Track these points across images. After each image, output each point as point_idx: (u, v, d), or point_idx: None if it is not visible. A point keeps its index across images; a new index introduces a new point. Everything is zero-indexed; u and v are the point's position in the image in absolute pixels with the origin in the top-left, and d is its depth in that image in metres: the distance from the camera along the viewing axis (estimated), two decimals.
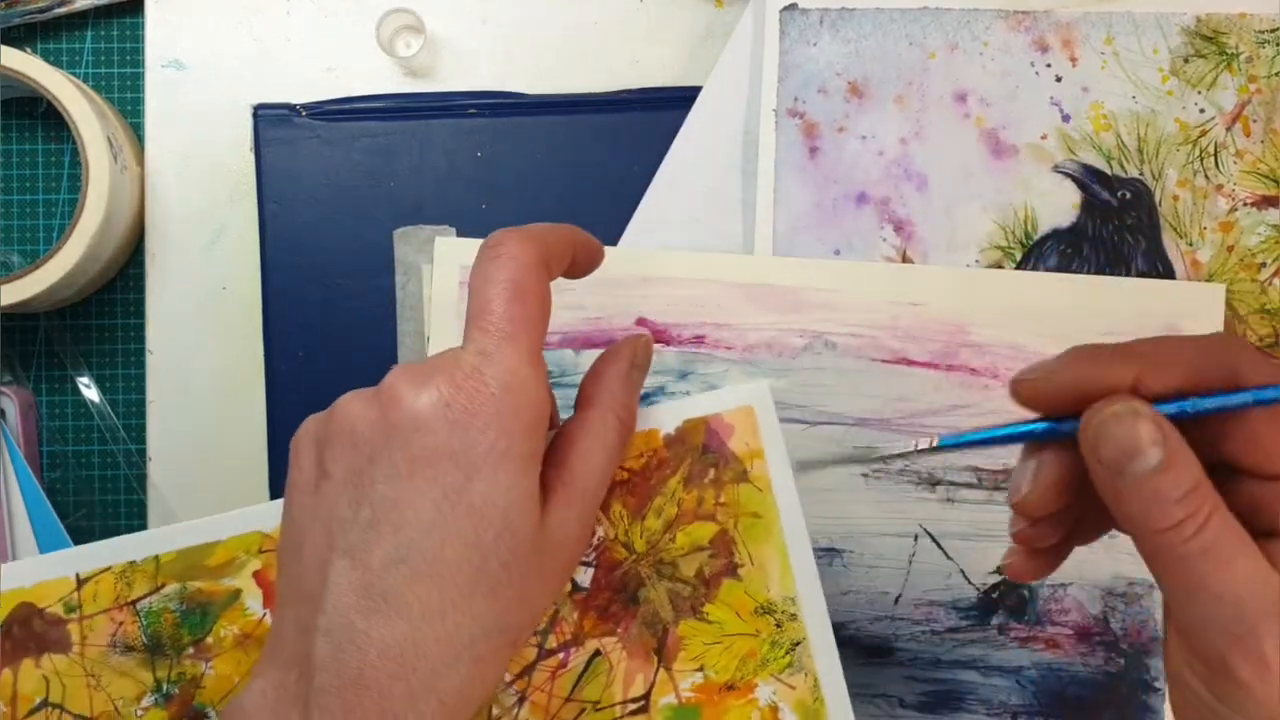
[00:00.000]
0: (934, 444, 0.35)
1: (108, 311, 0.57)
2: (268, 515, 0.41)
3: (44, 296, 0.51)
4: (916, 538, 0.54)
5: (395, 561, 0.32)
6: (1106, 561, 0.53)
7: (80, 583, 0.40)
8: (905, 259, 0.54)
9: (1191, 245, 0.53)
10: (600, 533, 0.40)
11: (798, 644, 0.40)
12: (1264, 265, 0.53)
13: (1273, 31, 0.53)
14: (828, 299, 0.53)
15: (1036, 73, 0.54)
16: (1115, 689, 0.53)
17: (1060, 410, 0.32)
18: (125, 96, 0.57)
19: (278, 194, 0.55)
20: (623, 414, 0.37)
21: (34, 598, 0.40)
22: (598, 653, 0.40)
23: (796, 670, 0.40)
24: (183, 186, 0.56)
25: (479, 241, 0.53)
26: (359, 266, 0.54)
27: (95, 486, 0.56)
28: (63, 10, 0.56)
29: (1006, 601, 0.54)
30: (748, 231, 0.54)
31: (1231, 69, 0.53)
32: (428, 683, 0.31)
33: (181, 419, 0.55)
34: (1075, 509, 0.34)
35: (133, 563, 0.40)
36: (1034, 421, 0.33)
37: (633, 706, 0.40)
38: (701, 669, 0.40)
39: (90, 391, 0.56)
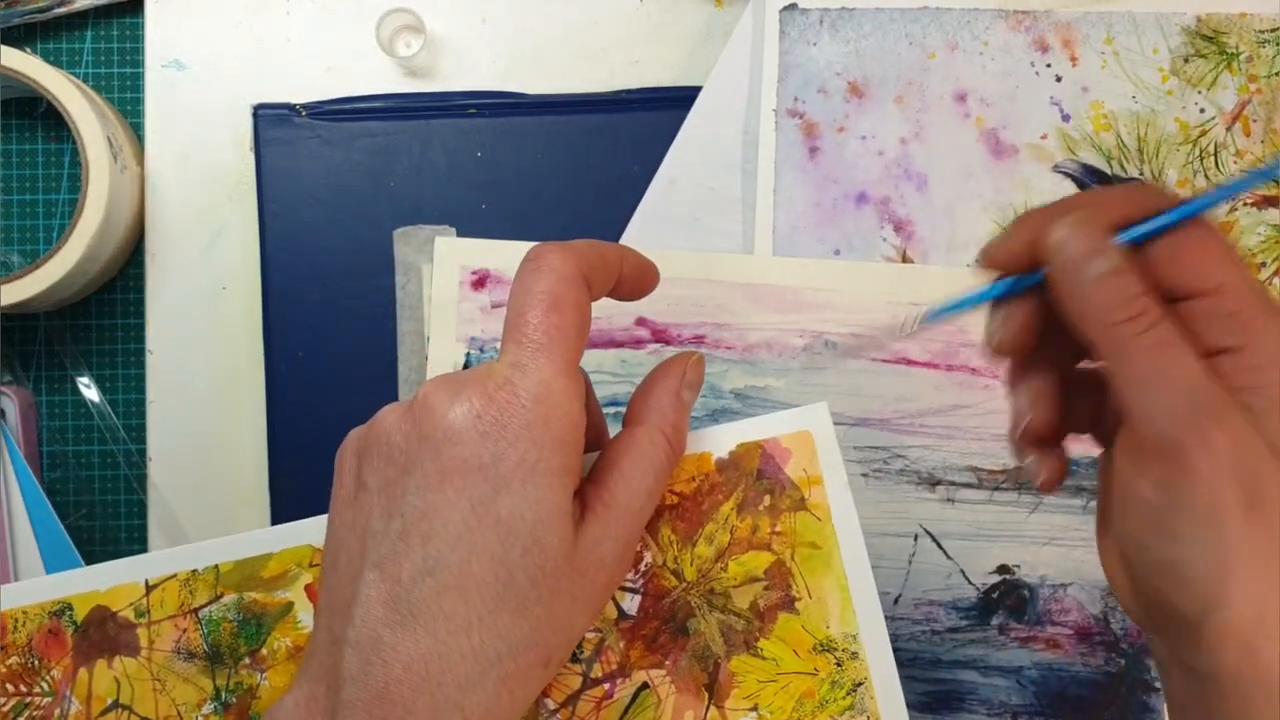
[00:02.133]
0: (922, 319, 0.38)
1: (108, 311, 0.57)
2: (319, 529, 0.41)
3: (44, 296, 0.51)
4: (916, 538, 0.54)
5: (423, 574, 0.31)
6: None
7: (149, 588, 0.41)
8: (905, 259, 0.54)
9: None
10: (648, 558, 0.38)
11: (859, 684, 0.38)
12: (1264, 265, 0.53)
13: (1273, 31, 0.53)
14: (828, 299, 0.53)
15: (1036, 73, 0.54)
16: (1115, 689, 0.53)
17: (1021, 268, 0.35)
18: (125, 96, 0.57)
19: (278, 194, 0.55)
20: (671, 434, 0.36)
21: (108, 601, 0.41)
22: (645, 685, 0.38)
23: (858, 713, 0.38)
24: (183, 186, 0.56)
25: (479, 241, 0.54)
26: (359, 266, 0.54)
27: (95, 486, 0.56)
28: (63, 10, 0.56)
29: (1006, 601, 0.54)
30: (748, 231, 0.54)
31: (1231, 69, 0.53)
32: (453, 699, 0.31)
33: (181, 419, 0.55)
34: (1048, 368, 0.36)
35: (195, 571, 0.41)
36: (1001, 279, 0.36)
37: None
38: (755, 708, 0.38)
39: (90, 391, 0.56)
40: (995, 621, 0.54)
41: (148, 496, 0.55)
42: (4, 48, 0.51)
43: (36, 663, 0.41)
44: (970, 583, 0.54)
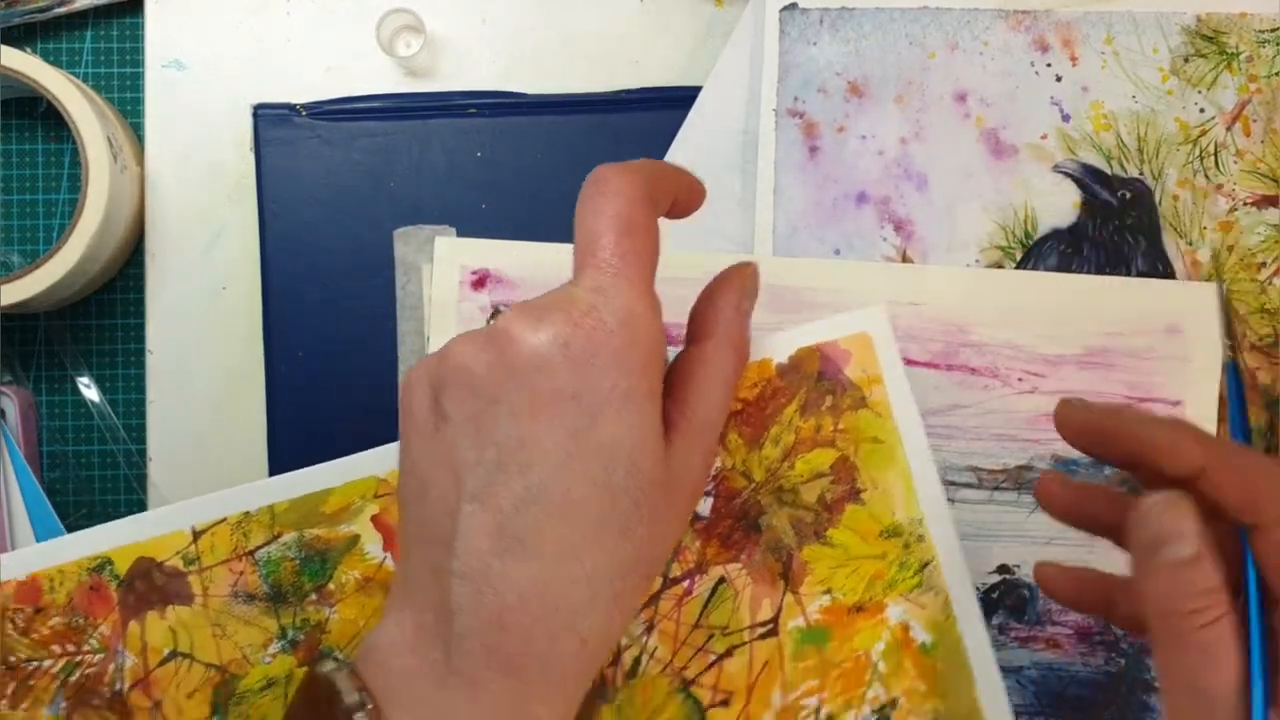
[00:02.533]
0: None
1: (107, 311, 0.57)
2: (382, 460, 0.41)
3: (44, 296, 0.51)
4: None
5: (526, 503, 0.31)
6: (1107, 561, 0.53)
7: (196, 535, 0.41)
8: (905, 259, 0.54)
9: (1191, 245, 0.53)
10: (718, 463, 0.40)
11: (926, 564, 0.40)
12: (1264, 265, 0.53)
13: (1273, 31, 0.53)
14: (828, 299, 0.53)
15: (1036, 72, 0.54)
16: (1115, 689, 0.53)
17: (1091, 448, 0.37)
18: (125, 96, 0.57)
19: (278, 194, 0.55)
20: (739, 345, 0.36)
21: (151, 552, 0.41)
22: (722, 579, 0.40)
23: (926, 590, 0.40)
24: (183, 186, 0.56)
25: (479, 241, 0.54)
26: (359, 266, 0.54)
27: (95, 486, 0.56)
28: (63, 10, 0.56)
29: (1006, 601, 0.54)
30: (748, 231, 0.54)
31: (1231, 69, 0.53)
32: (568, 623, 0.31)
33: (181, 419, 0.55)
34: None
35: (248, 513, 0.41)
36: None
37: (761, 630, 0.40)
38: (829, 591, 0.40)
39: (90, 391, 0.56)
40: (995, 621, 0.54)
41: (148, 496, 0.55)
42: (4, 48, 0.51)
43: (81, 620, 0.41)
44: None
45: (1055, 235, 0.54)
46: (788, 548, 0.40)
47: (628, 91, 0.55)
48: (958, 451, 0.53)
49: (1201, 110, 0.53)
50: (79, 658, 0.40)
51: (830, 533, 0.40)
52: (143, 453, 0.56)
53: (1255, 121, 0.53)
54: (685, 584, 0.40)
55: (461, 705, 0.31)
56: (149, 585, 0.41)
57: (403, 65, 0.56)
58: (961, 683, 0.40)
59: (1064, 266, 0.54)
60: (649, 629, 0.40)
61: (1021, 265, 0.54)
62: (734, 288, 0.37)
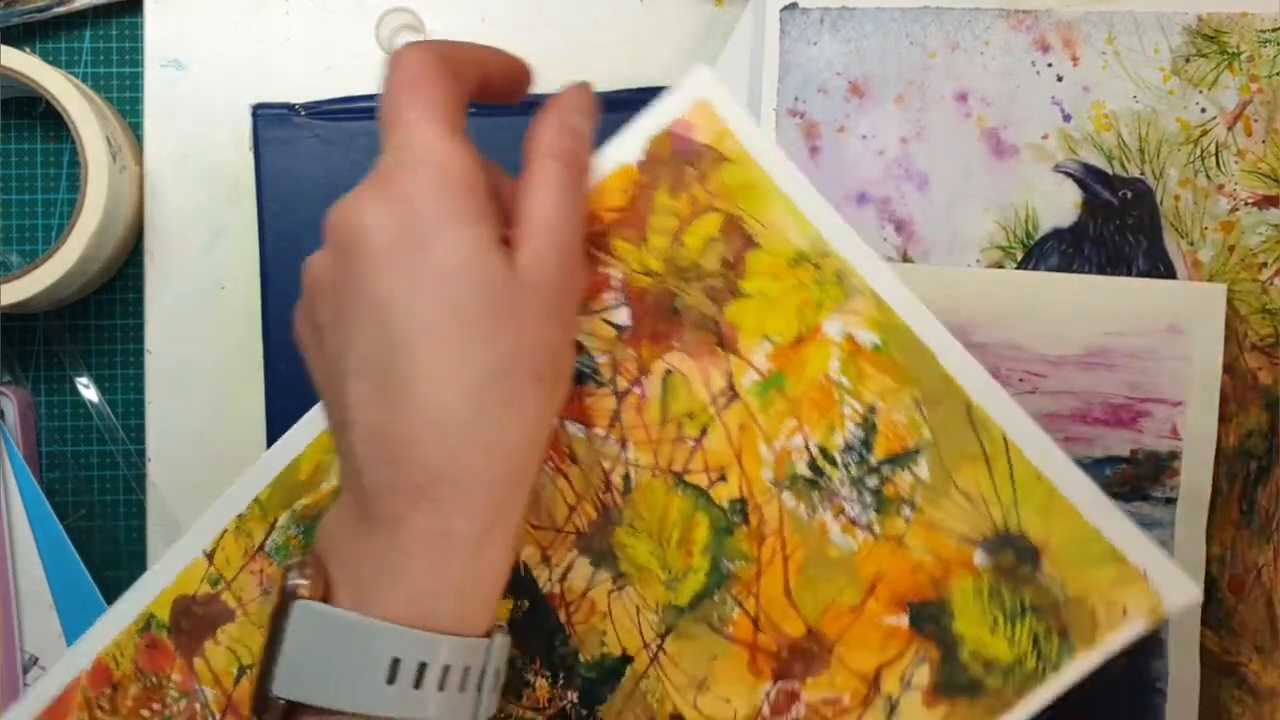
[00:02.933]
0: None
1: (107, 311, 0.57)
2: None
3: (43, 296, 0.51)
4: None
5: (392, 353, 0.33)
6: None
7: (210, 556, 0.42)
8: (905, 259, 0.54)
9: (1193, 245, 0.53)
10: (616, 274, 0.41)
11: (842, 274, 0.40)
12: (1265, 265, 0.53)
13: (1274, 31, 0.53)
14: None
15: (1037, 72, 0.54)
16: (1115, 689, 0.53)
17: None
18: (124, 96, 0.57)
19: (277, 194, 0.54)
20: (563, 155, 0.37)
21: (181, 589, 0.43)
22: (668, 371, 0.41)
23: (852, 294, 0.40)
24: (182, 186, 0.56)
25: None
26: None
27: (94, 487, 0.56)
28: (62, 10, 0.56)
29: None
30: None
31: (1233, 68, 0.53)
32: (462, 439, 0.33)
33: (181, 419, 0.55)
34: None
35: (240, 516, 0.42)
36: None
37: (723, 400, 0.40)
38: (766, 337, 0.40)
39: (89, 392, 0.56)
40: None
41: (147, 497, 0.55)
42: (3, 48, 0.51)
43: (154, 679, 0.42)
44: None
45: (1056, 235, 0.54)
46: (711, 317, 0.41)
47: (628, 91, 0.55)
48: None
49: (1203, 110, 0.53)
50: (167, 712, 0.42)
51: (742, 284, 0.40)
52: (142, 453, 0.56)
53: (1257, 121, 0.53)
54: (636, 391, 0.41)
55: (383, 542, 0.33)
56: (193, 620, 0.42)
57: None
58: (925, 363, 0.40)
59: (1065, 266, 0.54)
60: (624, 444, 0.41)
61: (1022, 265, 0.54)
62: (554, 108, 0.39)
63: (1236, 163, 0.53)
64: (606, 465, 0.41)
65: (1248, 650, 0.54)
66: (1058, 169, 0.54)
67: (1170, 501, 0.53)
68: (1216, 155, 0.53)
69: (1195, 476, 0.53)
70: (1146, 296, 0.53)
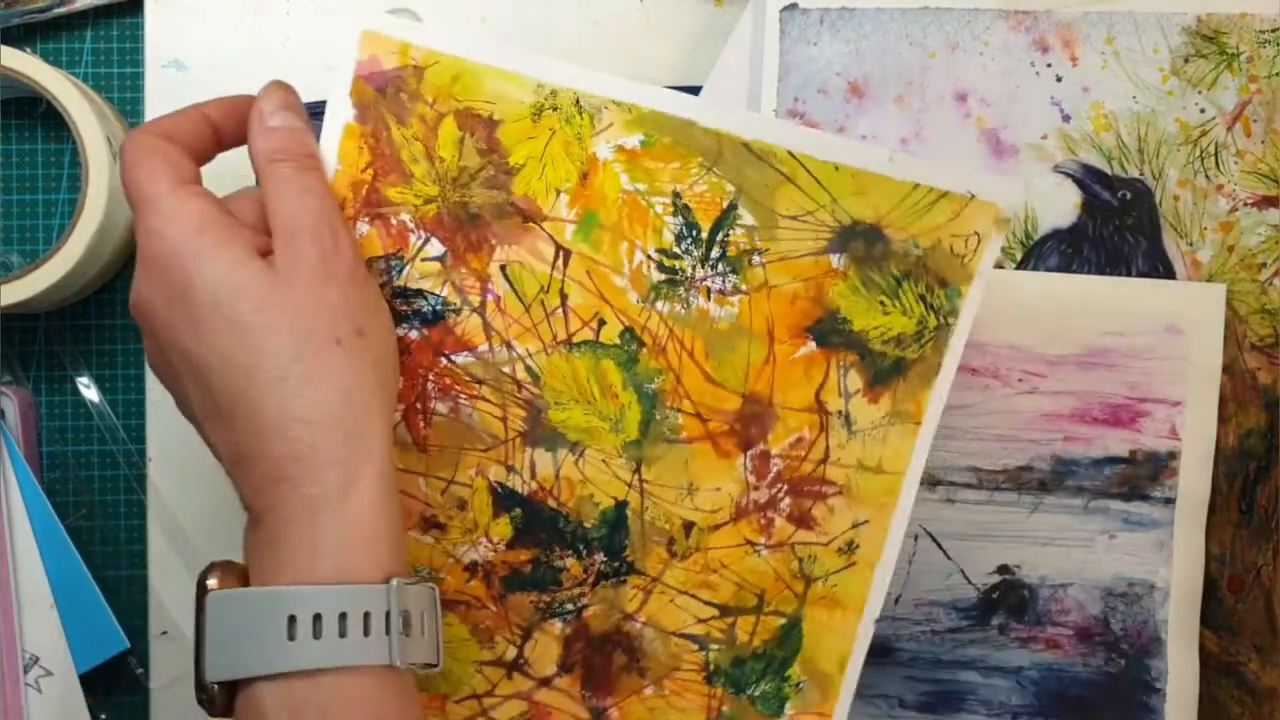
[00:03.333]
0: None
1: (108, 311, 0.57)
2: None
3: (44, 296, 0.51)
4: (916, 538, 0.54)
5: (210, 391, 0.39)
6: (1107, 561, 0.53)
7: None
8: None
9: (1192, 245, 0.53)
10: (407, 217, 0.44)
11: (578, 101, 0.44)
12: (1264, 265, 0.53)
13: (1273, 31, 0.53)
14: None
15: (1037, 73, 0.54)
16: (1115, 689, 0.53)
17: None
18: (125, 96, 0.57)
19: None
20: (278, 154, 0.41)
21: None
22: (502, 266, 0.44)
23: (597, 113, 0.44)
24: None
25: None
26: None
27: (95, 486, 0.56)
28: (62, 10, 0.56)
29: (1006, 601, 0.54)
30: None
31: (1232, 69, 0.53)
32: (283, 419, 0.38)
33: (181, 419, 0.55)
34: None
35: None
36: None
37: (560, 261, 0.44)
38: (558, 191, 0.44)
39: (90, 391, 0.56)
40: (995, 621, 0.54)
41: (147, 496, 0.55)
42: (4, 48, 0.51)
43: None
44: (970, 583, 0.54)
45: (1055, 235, 0.54)
46: (505, 203, 0.44)
47: None
48: (958, 451, 0.53)
49: (1202, 110, 0.53)
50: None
51: (510, 161, 0.44)
52: (142, 453, 0.56)
53: (1256, 122, 0.53)
54: (489, 298, 0.44)
55: (266, 531, 0.38)
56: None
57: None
58: (689, 131, 0.44)
59: (1064, 266, 0.54)
60: (508, 346, 0.45)
61: (1022, 265, 0.54)
62: (254, 117, 0.42)
63: (1236, 163, 0.53)
64: (507, 370, 0.45)
65: (1247, 650, 0.54)
66: (1057, 169, 0.54)
67: (1169, 501, 0.53)
68: (1216, 155, 0.53)
69: (1194, 476, 0.53)
70: (1146, 296, 0.53)
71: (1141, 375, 0.53)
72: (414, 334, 0.45)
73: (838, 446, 0.45)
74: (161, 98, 0.56)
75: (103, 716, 0.55)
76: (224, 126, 0.43)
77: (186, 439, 0.55)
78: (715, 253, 0.45)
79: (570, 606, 0.46)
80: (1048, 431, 0.53)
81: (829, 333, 0.45)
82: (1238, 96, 0.53)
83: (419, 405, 0.45)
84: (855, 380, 0.45)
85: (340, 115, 0.44)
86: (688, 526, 0.46)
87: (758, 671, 0.46)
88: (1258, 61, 0.53)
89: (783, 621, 0.46)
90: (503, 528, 0.46)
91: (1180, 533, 0.53)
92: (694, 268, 0.45)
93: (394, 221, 0.44)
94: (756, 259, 0.44)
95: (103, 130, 0.51)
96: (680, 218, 0.44)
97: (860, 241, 0.44)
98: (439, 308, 0.45)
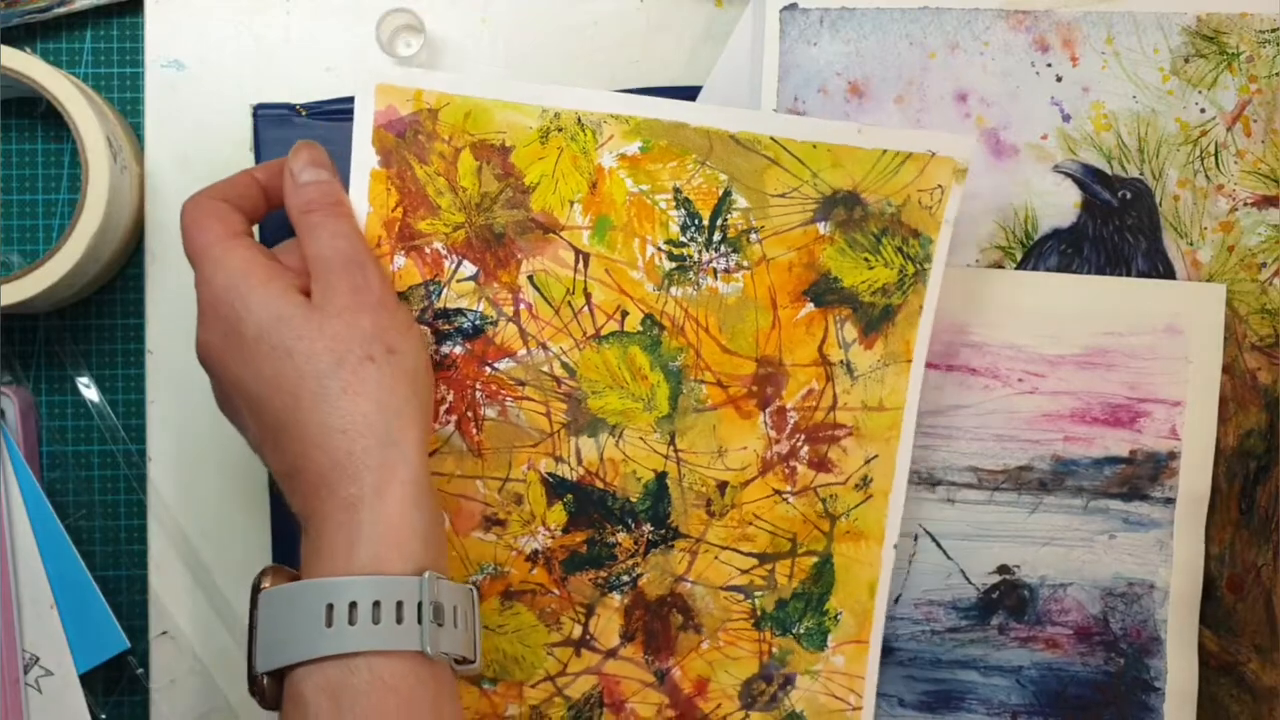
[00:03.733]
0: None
1: (108, 311, 0.57)
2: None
3: (44, 296, 0.51)
4: (916, 538, 0.54)
5: (266, 420, 0.43)
6: (1106, 561, 0.53)
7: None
8: None
9: (1192, 245, 0.53)
10: (439, 245, 0.48)
11: (579, 119, 0.49)
12: (1264, 265, 0.53)
13: (1273, 31, 0.53)
14: None
15: (1037, 73, 0.54)
16: (1115, 689, 0.53)
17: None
18: (125, 96, 0.57)
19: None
20: (310, 205, 0.46)
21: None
22: (530, 277, 0.49)
23: (597, 127, 0.49)
24: (183, 186, 0.55)
25: None
26: None
27: (95, 486, 0.56)
28: (62, 10, 0.56)
29: (1006, 601, 0.54)
30: None
31: (1232, 69, 0.53)
32: (322, 429, 0.42)
33: (181, 419, 0.55)
34: None
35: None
36: None
37: (581, 264, 0.49)
38: (571, 202, 0.49)
39: (90, 391, 0.56)
40: (995, 621, 0.54)
41: (147, 496, 0.55)
42: (4, 48, 0.51)
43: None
44: (970, 583, 0.54)
45: (1055, 235, 0.54)
46: (525, 219, 0.49)
47: (628, 91, 0.55)
48: (958, 451, 0.53)
49: (1202, 110, 0.53)
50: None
51: (526, 181, 0.49)
52: (142, 453, 0.56)
53: (1256, 122, 0.53)
54: (522, 307, 0.49)
55: (314, 536, 0.42)
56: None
57: (403, 65, 0.56)
58: (681, 133, 0.49)
59: (1064, 266, 0.54)
60: (544, 347, 0.49)
61: (1021, 265, 0.54)
62: (286, 178, 0.47)
63: (1236, 163, 0.53)
64: (545, 369, 0.49)
65: (1247, 650, 0.54)
66: (1057, 169, 0.54)
67: (1169, 501, 0.53)
68: (1216, 155, 0.53)
69: (1194, 476, 0.53)
70: (1146, 296, 0.53)
71: (1141, 375, 0.53)
72: (458, 349, 0.49)
73: (843, 392, 0.50)
74: (161, 98, 0.56)
75: (103, 716, 0.56)
76: (271, 185, 0.48)
77: (186, 439, 0.56)
78: (717, 236, 0.50)
79: (626, 578, 0.51)
80: (1048, 431, 0.53)
81: (824, 293, 0.50)
82: (1238, 96, 0.53)
83: (470, 413, 0.49)
84: (851, 331, 0.50)
85: (366, 163, 0.48)
86: (722, 486, 0.50)
87: (799, 610, 0.51)
88: (1258, 61, 0.53)
89: (815, 560, 0.51)
90: (557, 514, 0.50)
91: (1180, 533, 0.53)
92: (700, 252, 0.49)
93: (428, 251, 0.49)
94: (754, 237, 0.50)
95: (103, 130, 0.51)
96: (683, 210, 0.49)
97: (841, 208, 0.49)
98: (478, 322, 0.49)
